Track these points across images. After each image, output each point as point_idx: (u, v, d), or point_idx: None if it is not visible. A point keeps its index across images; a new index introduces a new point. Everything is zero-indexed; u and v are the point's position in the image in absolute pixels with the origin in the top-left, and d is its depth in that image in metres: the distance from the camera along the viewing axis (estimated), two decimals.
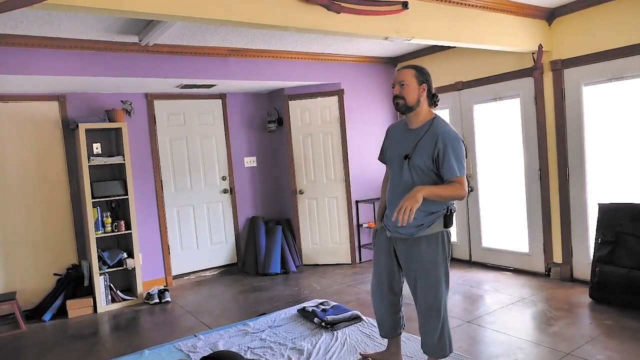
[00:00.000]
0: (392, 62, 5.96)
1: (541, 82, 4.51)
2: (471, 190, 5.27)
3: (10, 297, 4.36)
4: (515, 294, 4.18)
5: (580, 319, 3.54)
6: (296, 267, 5.74)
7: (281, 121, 5.93)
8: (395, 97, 2.49)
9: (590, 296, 3.88)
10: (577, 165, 4.33)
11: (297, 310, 3.91)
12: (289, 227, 6.00)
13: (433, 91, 2.54)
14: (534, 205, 4.70)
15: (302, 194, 5.90)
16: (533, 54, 4.39)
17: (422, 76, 2.48)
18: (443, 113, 5.50)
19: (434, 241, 2.46)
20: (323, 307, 3.85)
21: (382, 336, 2.88)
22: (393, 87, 2.52)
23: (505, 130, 4.95)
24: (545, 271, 4.64)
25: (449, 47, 5.24)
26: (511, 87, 4.79)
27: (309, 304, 4.02)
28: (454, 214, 2.52)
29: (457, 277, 4.86)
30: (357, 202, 5.75)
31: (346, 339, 3.34)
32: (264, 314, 4.09)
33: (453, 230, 5.43)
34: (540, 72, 4.46)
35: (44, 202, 4.82)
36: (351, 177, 5.70)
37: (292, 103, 5.82)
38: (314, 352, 3.16)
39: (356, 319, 3.61)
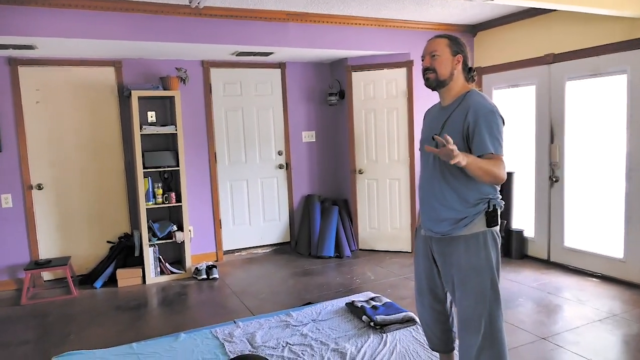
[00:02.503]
0: (470, 30, 5.27)
1: None
2: (556, 181, 4.58)
3: (63, 262, 4.39)
4: (604, 308, 3.54)
5: None
6: (351, 251, 5.38)
7: (343, 94, 5.49)
8: (425, 70, 2.15)
9: None
10: None
11: (345, 304, 3.56)
12: (346, 209, 5.62)
13: (469, 64, 2.16)
14: (635, 203, 3.95)
15: (361, 173, 5.47)
16: None
17: (457, 46, 2.14)
18: (528, 90, 4.79)
19: (475, 242, 2.06)
20: (374, 303, 3.47)
21: (432, 349, 2.48)
22: (422, 60, 2.17)
23: (604, 113, 4.19)
24: None
25: (538, 13, 4.49)
26: (616, 61, 4.00)
27: (359, 298, 3.65)
28: (499, 210, 2.08)
29: (532, 279, 4.26)
30: None
31: (396, 344, 2.94)
32: (310, 303, 3.79)
33: (530, 223, 4.84)
34: None
35: (100, 170, 4.79)
36: (416, 158, 5.18)
37: (355, 74, 5.34)
38: (358, 357, 2.81)
39: (409, 321, 3.19)
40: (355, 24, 4.72)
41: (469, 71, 2.17)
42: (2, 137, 4.39)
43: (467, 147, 2.02)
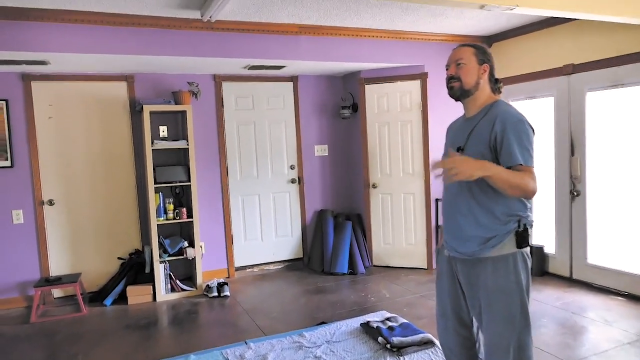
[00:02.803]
0: (485, 41, 5.17)
1: None
2: (577, 195, 4.42)
3: (73, 279, 4.33)
4: (633, 330, 3.36)
5: None
6: (365, 267, 5.25)
7: (356, 107, 5.41)
8: (450, 79, 2.08)
9: None
10: None
11: (360, 324, 3.43)
12: (360, 224, 5.51)
13: (496, 75, 2.08)
14: None
15: (375, 188, 5.36)
16: None
17: (484, 55, 2.07)
18: (547, 101, 4.67)
19: (504, 265, 1.92)
20: (390, 323, 3.34)
21: None
22: (447, 69, 2.09)
23: (627, 125, 4.05)
24: None
25: (556, 23, 4.39)
26: (638, 71, 3.87)
27: (374, 318, 3.53)
28: (530, 229, 1.95)
29: (555, 298, 4.09)
30: (437, 200, 5.11)
31: None
32: (323, 322, 3.67)
33: (550, 239, 4.68)
34: None
35: (111, 185, 4.76)
36: (431, 172, 5.06)
37: (368, 87, 5.27)
38: None
39: (427, 343, 3.06)
40: (369, 36, 4.66)
41: (495, 82, 2.08)
42: (14, 152, 4.39)
43: (495, 158, 1.91)
